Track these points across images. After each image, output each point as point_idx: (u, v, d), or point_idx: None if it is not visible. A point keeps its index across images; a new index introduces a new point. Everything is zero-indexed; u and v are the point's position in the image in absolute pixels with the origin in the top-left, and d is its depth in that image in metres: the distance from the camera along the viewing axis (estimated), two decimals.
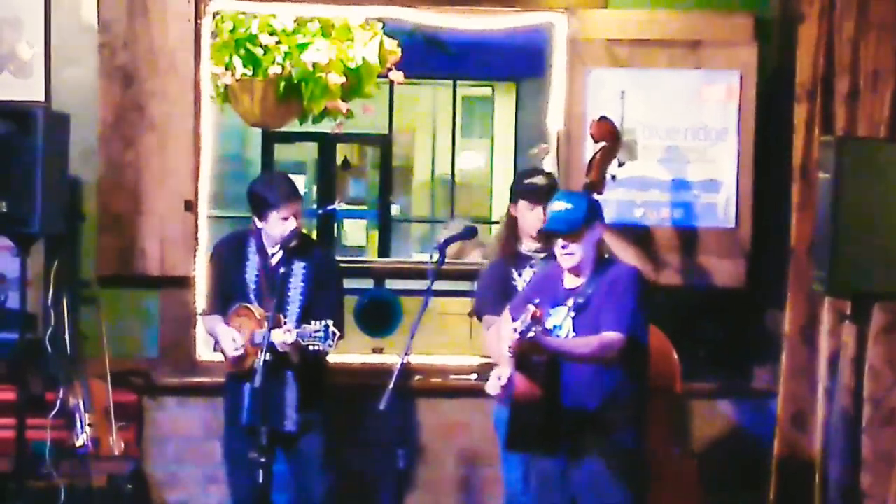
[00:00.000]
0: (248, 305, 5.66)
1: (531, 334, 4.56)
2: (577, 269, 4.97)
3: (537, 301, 4.65)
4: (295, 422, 5.63)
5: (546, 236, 5.16)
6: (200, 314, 6.07)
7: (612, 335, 4.79)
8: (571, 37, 6.41)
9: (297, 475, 5.75)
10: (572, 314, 4.90)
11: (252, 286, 5.69)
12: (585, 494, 4.93)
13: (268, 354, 5.33)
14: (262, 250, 5.69)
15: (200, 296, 6.34)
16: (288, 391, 5.61)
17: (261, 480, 5.29)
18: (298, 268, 5.64)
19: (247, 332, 5.62)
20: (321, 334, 5.35)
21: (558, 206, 5.01)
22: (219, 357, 5.86)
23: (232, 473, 5.78)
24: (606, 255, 5.08)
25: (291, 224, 5.59)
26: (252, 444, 5.39)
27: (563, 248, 4.93)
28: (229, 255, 5.76)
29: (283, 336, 5.42)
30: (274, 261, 5.66)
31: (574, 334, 4.88)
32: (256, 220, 5.66)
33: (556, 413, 4.84)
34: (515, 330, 4.58)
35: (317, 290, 5.63)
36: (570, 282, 4.99)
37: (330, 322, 5.36)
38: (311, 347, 5.38)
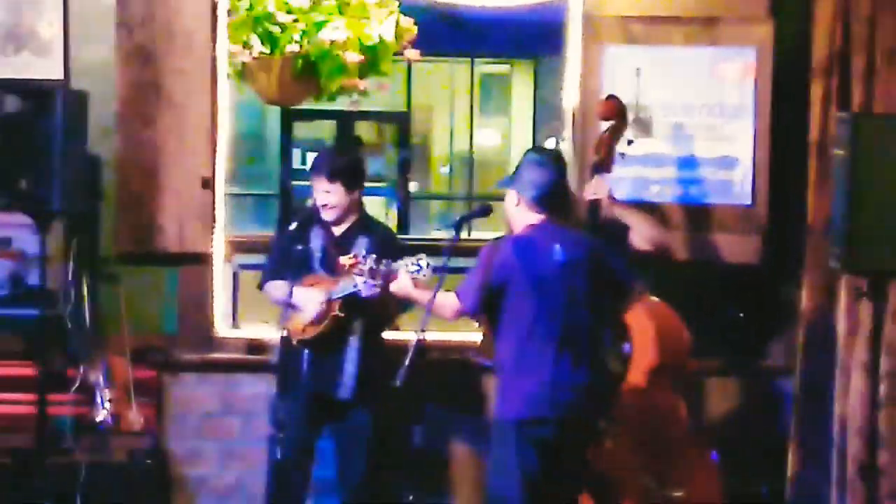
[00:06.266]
0: (316, 274, 5.67)
1: None
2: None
3: None
4: (350, 389, 5.61)
5: None
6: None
7: None
8: (587, 13, 6.40)
9: (341, 451, 5.73)
10: None
11: (318, 255, 5.71)
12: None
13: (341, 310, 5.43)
14: (324, 222, 5.72)
15: (218, 272, 6.40)
16: (347, 358, 5.61)
17: (279, 456, 5.35)
18: (362, 242, 5.66)
19: (323, 292, 5.59)
20: (416, 267, 5.22)
21: None
22: (238, 333, 5.81)
23: (279, 442, 5.51)
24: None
25: (322, 199, 5.65)
26: (303, 411, 5.48)
27: None
28: (296, 227, 5.70)
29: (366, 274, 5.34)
30: (336, 233, 5.71)
31: None
32: None
33: None
34: None
35: None
36: None
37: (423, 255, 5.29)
38: (409, 269, 5.23)
